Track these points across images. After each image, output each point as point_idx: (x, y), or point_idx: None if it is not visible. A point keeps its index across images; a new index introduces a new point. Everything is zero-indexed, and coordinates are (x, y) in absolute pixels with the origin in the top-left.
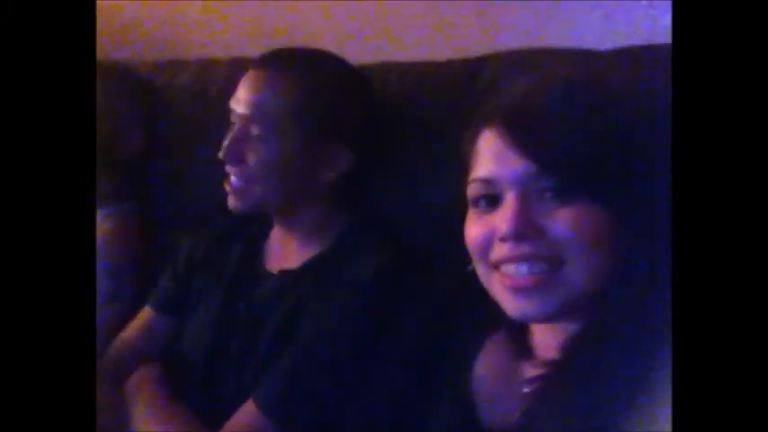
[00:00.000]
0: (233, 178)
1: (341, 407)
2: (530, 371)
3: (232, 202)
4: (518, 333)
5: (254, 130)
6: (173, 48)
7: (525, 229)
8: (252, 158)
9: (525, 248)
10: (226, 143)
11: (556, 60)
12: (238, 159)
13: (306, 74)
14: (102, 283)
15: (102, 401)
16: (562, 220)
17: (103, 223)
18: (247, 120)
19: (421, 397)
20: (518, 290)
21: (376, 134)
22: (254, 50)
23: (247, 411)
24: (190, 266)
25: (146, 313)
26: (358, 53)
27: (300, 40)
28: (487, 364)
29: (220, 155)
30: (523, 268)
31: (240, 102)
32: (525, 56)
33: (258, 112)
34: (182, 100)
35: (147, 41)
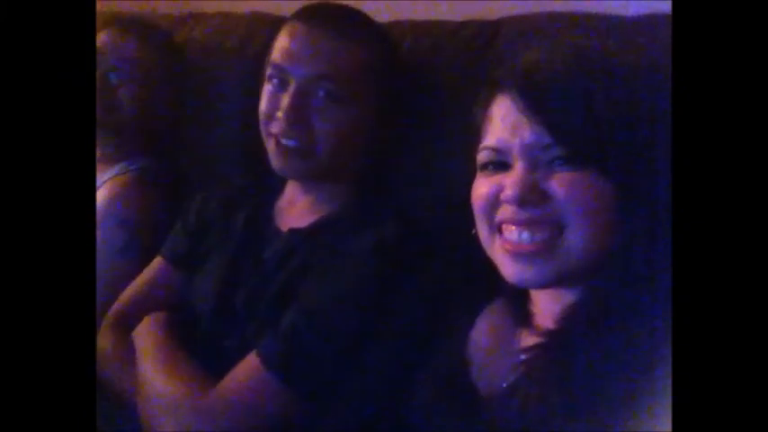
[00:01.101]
0: (291, 141)
1: (339, 368)
2: (527, 339)
3: (279, 164)
4: (517, 300)
5: (324, 91)
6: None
7: (530, 196)
8: (320, 122)
9: (529, 214)
10: (287, 103)
11: (572, 26)
12: (303, 121)
13: (369, 34)
14: (117, 234)
15: (109, 347)
16: (566, 187)
17: (121, 176)
18: (312, 79)
19: (417, 362)
20: (518, 255)
21: (394, 96)
22: (271, 5)
23: (249, 364)
24: (201, 220)
25: (156, 264)
26: (374, 11)
27: None
28: (484, 331)
29: (279, 114)
30: (525, 235)
31: (298, 59)
32: (541, 20)
33: (332, 71)
34: (200, 53)
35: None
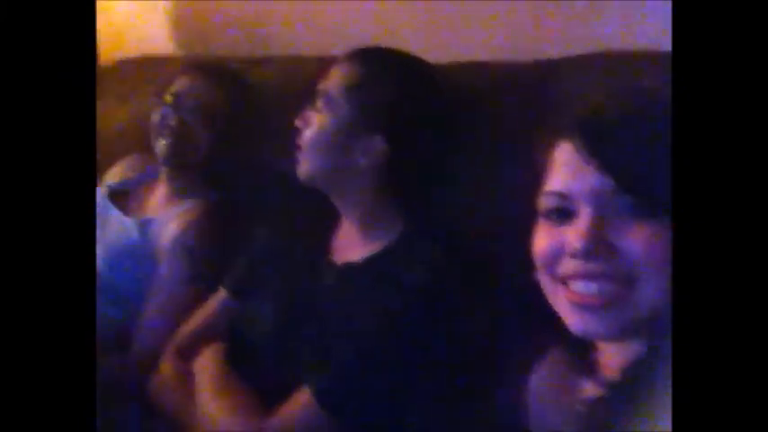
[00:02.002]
0: (299, 144)
1: (390, 403)
2: (589, 390)
3: (298, 169)
4: (580, 349)
5: (319, 104)
6: (261, 45)
7: (597, 247)
8: (309, 127)
9: (596, 266)
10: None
11: (634, 64)
12: (306, 126)
13: (369, 63)
14: (185, 265)
15: (170, 375)
16: (636, 239)
17: (192, 210)
18: (320, 95)
19: (470, 402)
20: (584, 307)
21: (437, 132)
22: (338, 49)
23: (301, 398)
24: (262, 253)
25: (218, 295)
26: (435, 52)
27: (382, 40)
28: (543, 378)
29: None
30: (592, 287)
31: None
32: (600, 59)
33: (325, 88)
34: (269, 94)
35: (239, 38)
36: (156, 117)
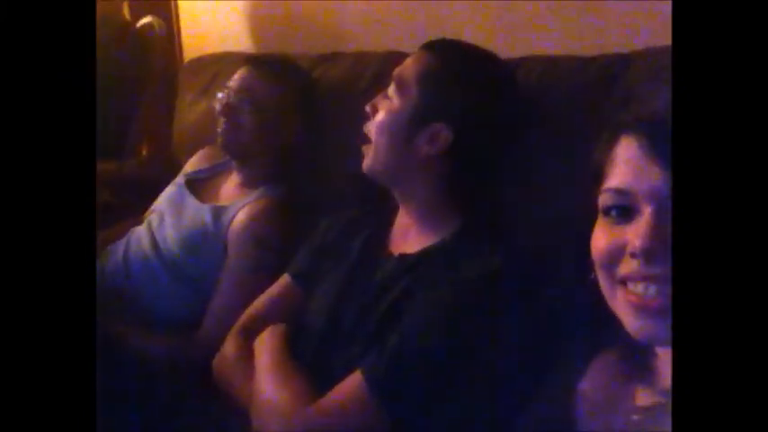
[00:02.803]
0: (366, 132)
1: (437, 394)
2: (644, 397)
3: (364, 161)
4: (637, 353)
5: (391, 90)
6: (334, 42)
7: (659, 248)
8: (378, 112)
9: (657, 268)
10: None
11: None
12: (375, 112)
13: (443, 54)
14: (252, 253)
15: (232, 353)
16: None
17: (261, 200)
18: (393, 80)
19: (517, 402)
20: (644, 309)
21: (502, 127)
22: (407, 45)
23: (353, 381)
24: (324, 242)
25: (283, 281)
26: (504, 47)
27: (451, 35)
28: (596, 380)
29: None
30: (652, 289)
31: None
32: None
33: (399, 74)
34: (334, 90)
35: (308, 35)
36: (216, 105)
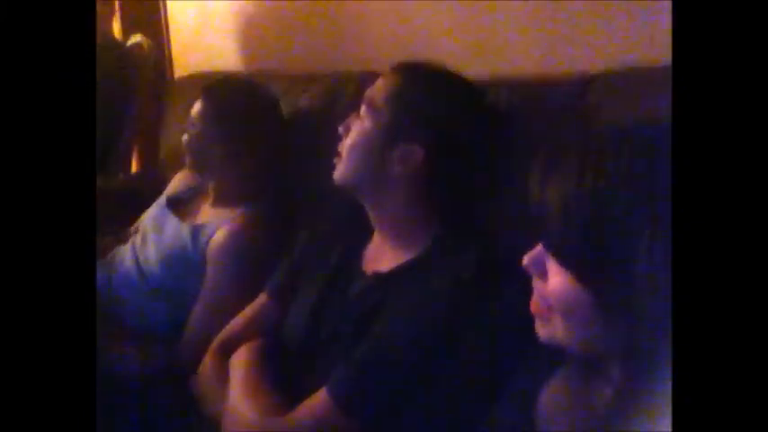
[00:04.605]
0: (339, 151)
1: (401, 404)
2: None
3: (334, 173)
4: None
5: (362, 110)
6: (317, 60)
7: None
8: (350, 132)
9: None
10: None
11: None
12: (347, 132)
13: (412, 75)
14: (232, 269)
15: (209, 369)
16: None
17: (239, 218)
18: (364, 102)
19: (481, 409)
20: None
21: (473, 146)
22: (380, 65)
23: (320, 398)
24: (300, 259)
25: (261, 299)
26: (477, 67)
27: (427, 55)
28: (559, 386)
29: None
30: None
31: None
32: (632, 76)
33: (370, 95)
34: (313, 111)
35: (296, 54)
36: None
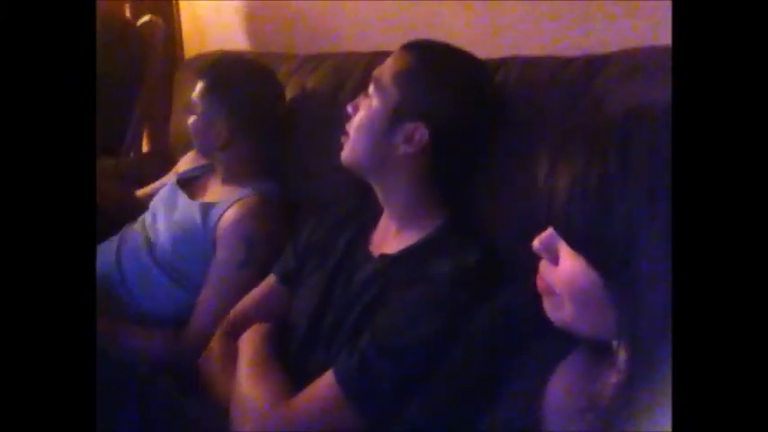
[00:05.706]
0: (347, 131)
1: (404, 392)
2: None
3: (342, 153)
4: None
5: (370, 89)
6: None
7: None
8: (358, 111)
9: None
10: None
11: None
12: (355, 111)
13: (420, 54)
14: (240, 250)
15: (217, 351)
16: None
17: (248, 198)
18: (372, 80)
19: (484, 400)
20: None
21: (480, 127)
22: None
23: (326, 381)
24: (309, 242)
25: (269, 280)
26: (487, 48)
27: (436, 35)
28: (564, 380)
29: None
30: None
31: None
32: (646, 55)
33: (378, 74)
34: (324, 90)
35: (306, 35)
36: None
